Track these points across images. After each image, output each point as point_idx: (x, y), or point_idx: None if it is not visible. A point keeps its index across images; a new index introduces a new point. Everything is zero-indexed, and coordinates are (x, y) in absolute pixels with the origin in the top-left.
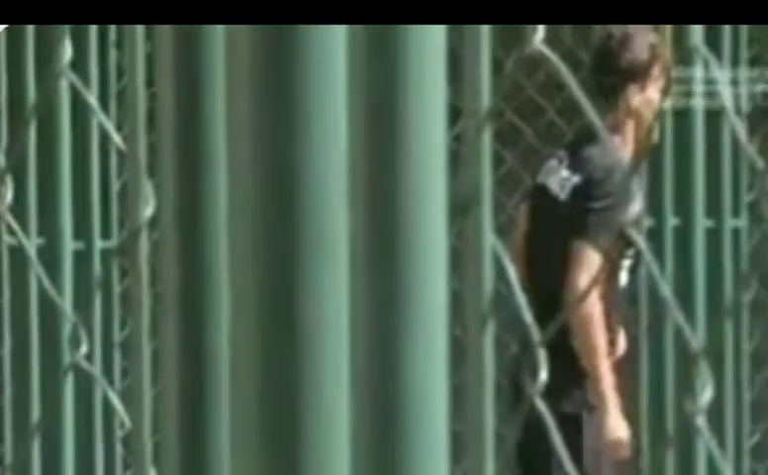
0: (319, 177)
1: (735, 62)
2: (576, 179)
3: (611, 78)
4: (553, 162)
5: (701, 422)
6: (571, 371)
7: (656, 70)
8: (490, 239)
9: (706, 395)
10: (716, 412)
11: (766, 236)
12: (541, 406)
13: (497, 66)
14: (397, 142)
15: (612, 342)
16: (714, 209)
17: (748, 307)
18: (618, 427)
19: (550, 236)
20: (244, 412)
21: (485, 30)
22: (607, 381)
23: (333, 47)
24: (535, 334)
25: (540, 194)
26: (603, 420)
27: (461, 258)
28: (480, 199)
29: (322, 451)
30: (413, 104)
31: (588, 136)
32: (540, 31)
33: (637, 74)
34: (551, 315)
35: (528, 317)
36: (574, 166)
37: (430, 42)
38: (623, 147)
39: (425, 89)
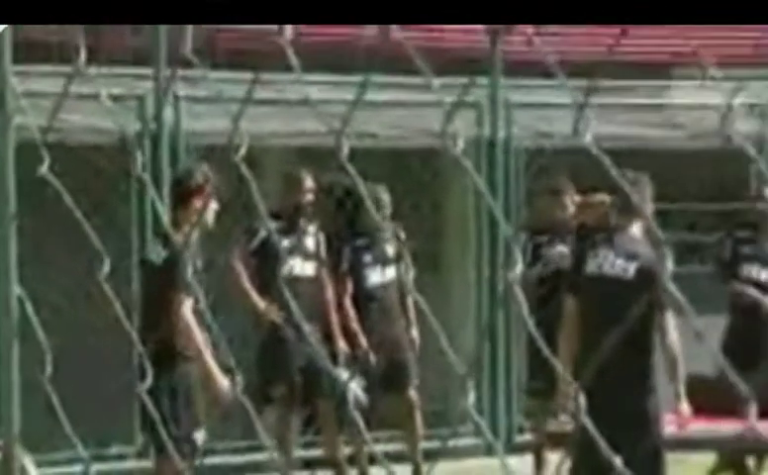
0: None
1: None
2: (164, 253)
3: (182, 194)
4: (150, 245)
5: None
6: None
7: (208, 189)
8: (16, 290)
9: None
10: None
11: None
12: (146, 399)
13: None
14: None
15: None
16: None
17: None
18: (221, 380)
19: (155, 292)
20: None
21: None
22: (207, 355)
23: None
24: (140, 345)
25: (145, 266)
26: (210, 378)
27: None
28: (8, 267)
29: None
30: None
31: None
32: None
33: (195, 191)
34: (167, 344)
35: (138, 343)
36: (164, 245)
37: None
38: (189, 232)
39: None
